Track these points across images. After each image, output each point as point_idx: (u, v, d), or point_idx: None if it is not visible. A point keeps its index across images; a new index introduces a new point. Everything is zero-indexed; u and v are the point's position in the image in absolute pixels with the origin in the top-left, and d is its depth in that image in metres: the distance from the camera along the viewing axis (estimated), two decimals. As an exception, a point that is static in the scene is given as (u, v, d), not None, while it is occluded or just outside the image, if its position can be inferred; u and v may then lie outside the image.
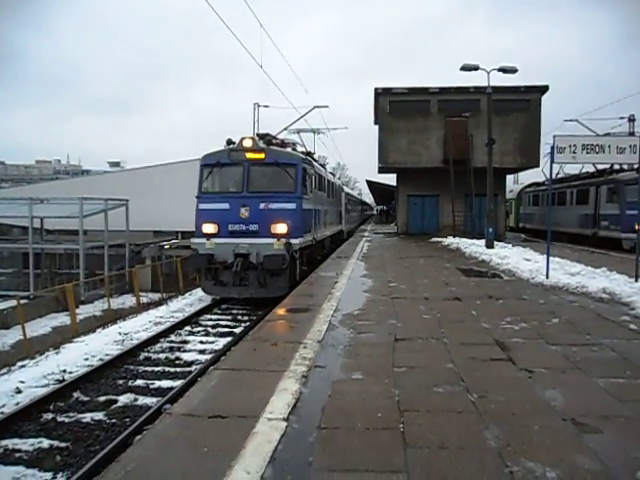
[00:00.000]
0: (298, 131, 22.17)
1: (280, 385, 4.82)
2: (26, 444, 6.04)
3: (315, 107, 25.97)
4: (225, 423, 4.03)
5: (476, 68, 20.01)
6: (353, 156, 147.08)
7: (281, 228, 13.07)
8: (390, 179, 38.97)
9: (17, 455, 5.82)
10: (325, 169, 22.57)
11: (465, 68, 19.97)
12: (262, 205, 13.21)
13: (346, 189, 35.67)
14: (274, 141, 15.20)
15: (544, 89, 26.44)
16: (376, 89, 27.47)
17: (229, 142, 14.12)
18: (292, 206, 13.39)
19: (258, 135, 14.91)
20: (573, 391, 4.76)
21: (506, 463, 3.37)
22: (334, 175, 28.54)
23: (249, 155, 13.51)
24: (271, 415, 4.12)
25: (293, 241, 13.04)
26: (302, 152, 17.25)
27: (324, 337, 6.61)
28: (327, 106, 26.82)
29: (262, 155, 13.54)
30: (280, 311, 8.46)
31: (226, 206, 13.32)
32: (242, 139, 13.75)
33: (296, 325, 7.36)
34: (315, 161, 18.78)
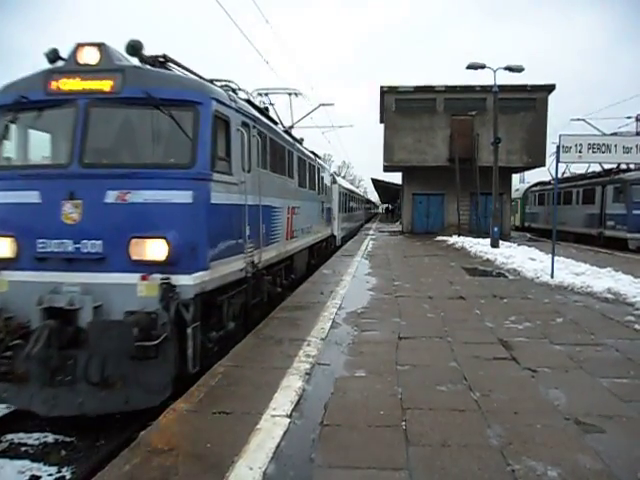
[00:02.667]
0: (266, 93, 13.92)
1: (284, 382, 4.85)
2: (31, 438, 6.09)
3: (321, 105, 25.89)
4: (229, 419, 4.06)
5: (482, 67, 19.96)
6: (358, 155, 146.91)
7: (155, 249, 5.71)
8: (396, 177, 38.93)
9: (23, 449, 5.87)
10: (300, 144, 13.83)
11: (471, 67, 19.93)
12: (112, 196, 5.79)
13: (342, 182, 28.39)
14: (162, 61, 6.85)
15: (551, 88, 26.34)
16: (382, 87, 27.44)
17: (53, 57, 6.25)
18: (184, 197, 5.88)
19: (128, 47, 6.40)
20: (576, 391, 4.76)
21: (508, 461, 3.39)
22: (317, 156, 17.09)
23: (88, 84, 6.05)
24: (274, 412, 4.14)
25: (182, 280, 5.67)
26: (261, 109, 9.90)
27: (328, 335, 6.63)
28: (332, 104, 26.75)
29: (115, 83, 5.99)
30: (284, 309, 8.48)
31: (34, 197, 5.90)
32: (77, 47, 6.11)
33: (300, 323, 7.38)
34: (273, 122, 10.50)
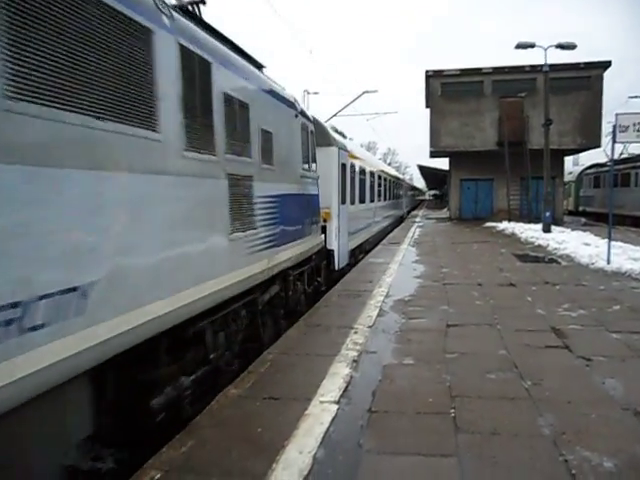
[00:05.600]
0: None
1: (331, 369, 4.90)
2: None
3: (364, 92, 25.77)
4: (278, 404, 4.16)
5: (532, 45, 19.27)
6: (404, 142, 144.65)
7: None
8: (443, 163, 38.27)
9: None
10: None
11: (520, 46, 19.27)
12: None
13: (355, 147, 15.35)
14: None
15: (606, 65, 25.13)
16: (427, 72, 26.94)
17: None
18: None
19: None
20: (634, 380, 4.58)
21: (561, 451, 3.32)
22: (244, 55, 5.96)
23: None
24: (323, 398, 4.21)
25: None
26: None
27: (375, 322, 6.64)
28: (376, 91, 26.51)
29: None
30: (332, 297, 8.54)
31: None
32: None
33: (347, 310, 7.42)
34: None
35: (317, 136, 9.32)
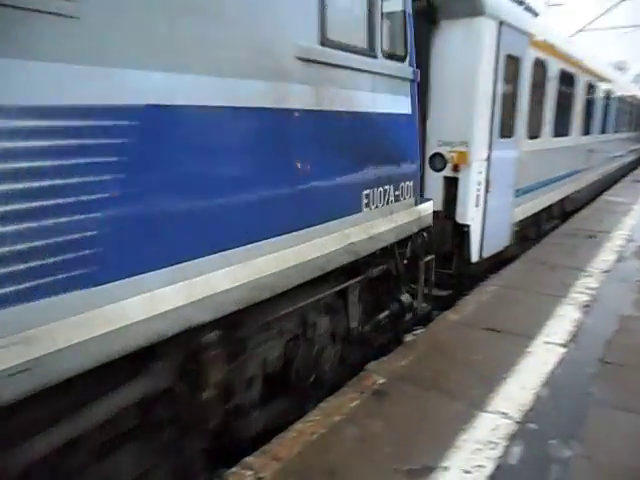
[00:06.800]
0: None
1: (558, 310, 4.61)
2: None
3: (624, -1, 21.68)
4: (498, 337, 4.09)
5: None
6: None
7: None
8: None
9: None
10: None
11: None
12: None
13: (572, 48, 8.68)
14: None
15: None
16: None
17: None
18: None
19: None
20: None
21: None
22: None
23: None
24: (548, 338, 4.00)
25: None
26: None
27: (612, 268, 5.96)
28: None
29: None
30: (558, 235, 7.86)
31: None
32: None
33: (577, 251, 6.78)
34: None
35: None
